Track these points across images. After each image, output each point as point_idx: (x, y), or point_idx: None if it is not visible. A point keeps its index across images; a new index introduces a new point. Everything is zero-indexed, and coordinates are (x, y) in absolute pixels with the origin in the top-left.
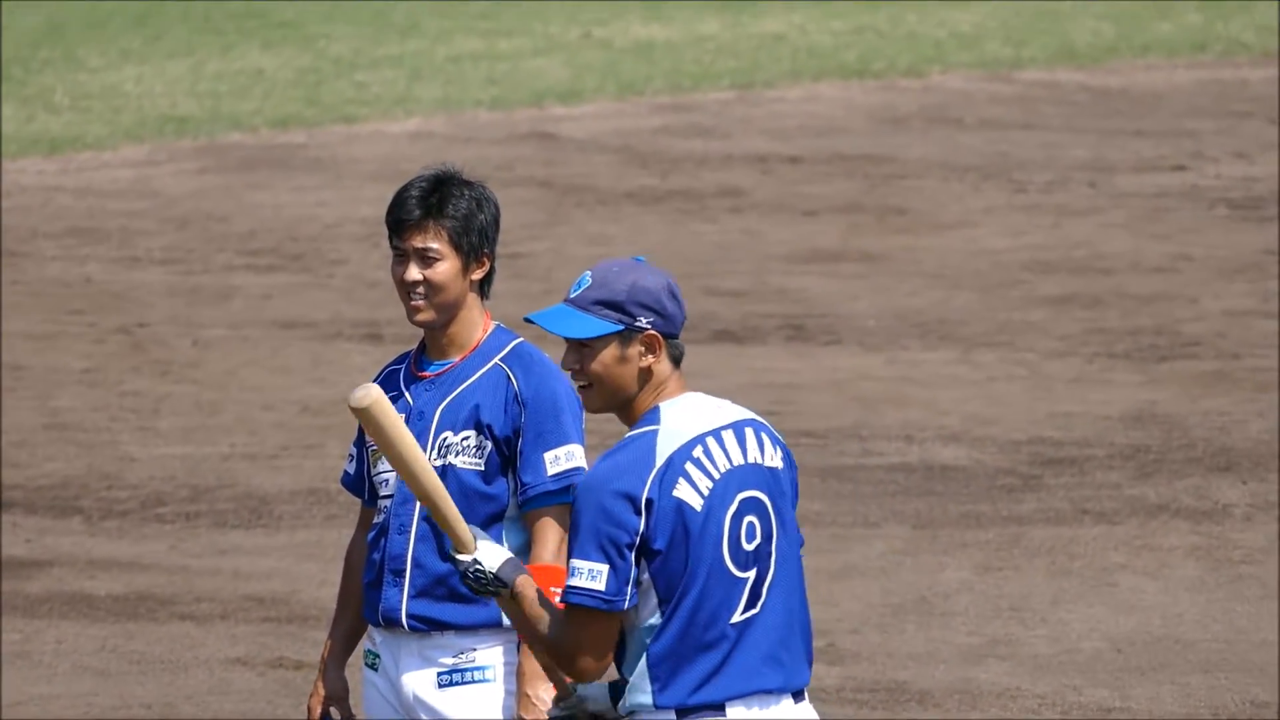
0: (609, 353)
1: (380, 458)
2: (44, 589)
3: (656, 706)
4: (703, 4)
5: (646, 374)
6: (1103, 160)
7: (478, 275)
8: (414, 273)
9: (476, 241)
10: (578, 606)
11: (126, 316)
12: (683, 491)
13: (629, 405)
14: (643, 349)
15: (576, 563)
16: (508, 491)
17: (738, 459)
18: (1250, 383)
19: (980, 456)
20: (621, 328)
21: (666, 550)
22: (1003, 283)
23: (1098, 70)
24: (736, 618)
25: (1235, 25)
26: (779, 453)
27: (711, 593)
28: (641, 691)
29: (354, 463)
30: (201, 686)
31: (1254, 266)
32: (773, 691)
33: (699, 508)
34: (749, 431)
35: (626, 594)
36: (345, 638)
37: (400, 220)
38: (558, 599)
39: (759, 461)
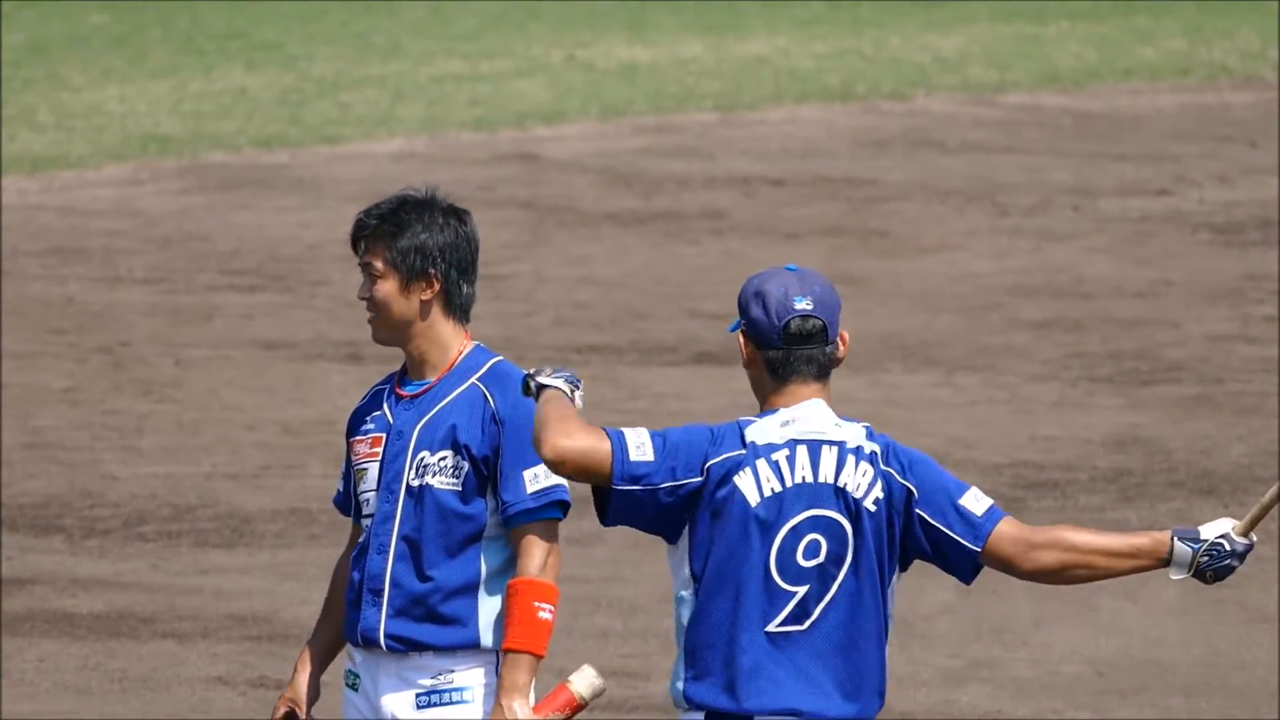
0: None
1: (364, 475)
2: (25, 607)
3: (687, 698)
4: (686, 26)
5: (755, 378)
6: (1085, 184)
7: (425, 296)
8: (362, 289)
9: (418, 263)
10: (609, 436)
11: (108, 336)
12: (743, 481)
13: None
14: (744, 351)
15: (639, 432)
16: (485, 511)
17: (826, 477)
18: (1232, 407)
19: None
20: (734, 326)
21: (710, 523)
22: (985, 306)
23: (1081, 94)
24: (773, 627)
25: (1218, 50)
26: (875, 491)
27: (749, 594)
28: (678, 677)
29: (344, 481)
30: (183, 705)
31: (1236, 291)
32: (802, 713)
33: (754, 503)
34: (851, 459)
35: (636, 480)
36: (323, 648)
37: (351, 236)
38: (541, 614)
39: (848, 489)
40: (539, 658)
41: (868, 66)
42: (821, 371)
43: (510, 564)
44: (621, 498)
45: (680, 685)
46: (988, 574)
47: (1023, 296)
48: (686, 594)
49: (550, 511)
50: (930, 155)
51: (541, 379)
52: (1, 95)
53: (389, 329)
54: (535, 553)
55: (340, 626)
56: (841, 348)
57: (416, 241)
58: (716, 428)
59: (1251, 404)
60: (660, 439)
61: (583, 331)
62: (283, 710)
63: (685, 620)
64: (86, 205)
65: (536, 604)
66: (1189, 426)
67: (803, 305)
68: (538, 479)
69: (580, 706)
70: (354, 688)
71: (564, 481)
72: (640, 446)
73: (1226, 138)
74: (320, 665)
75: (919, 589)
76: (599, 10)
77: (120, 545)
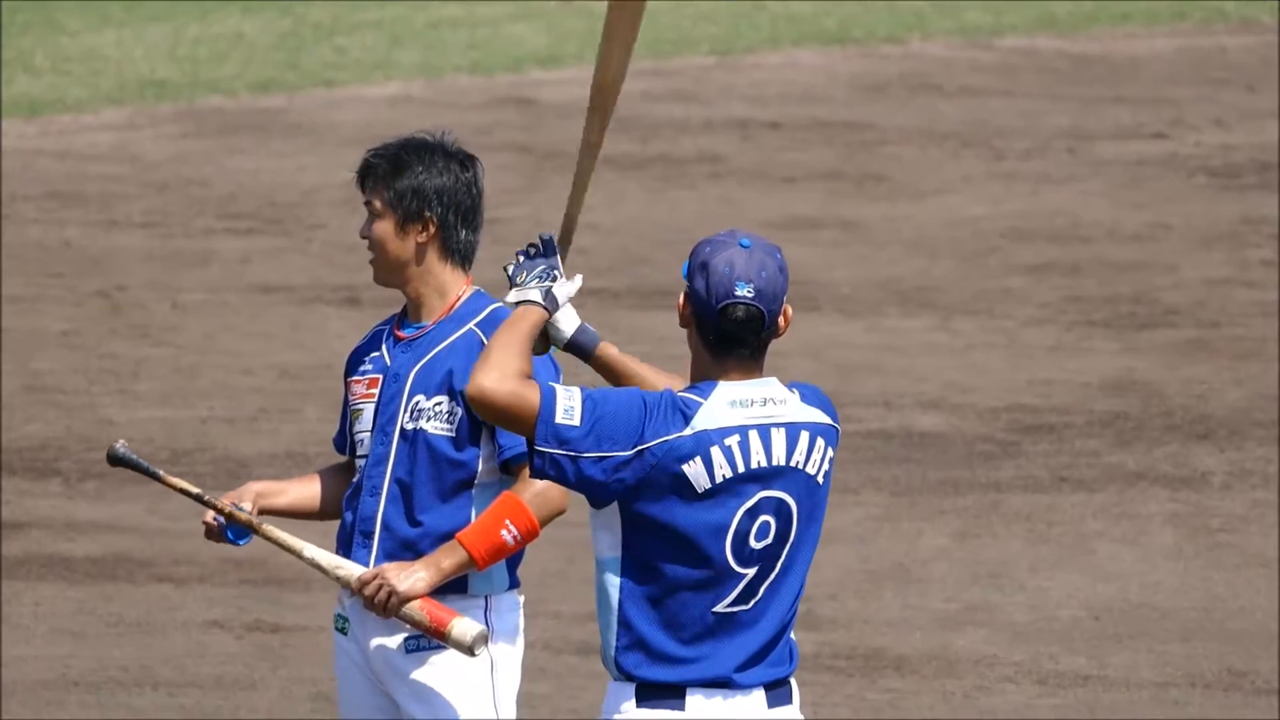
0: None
1: (360, 416)
2: (22, 551)
3: (618, 666)
4: None
5: (690, 338)
6: (1082, 128)
7: (421, 239)
8: (363, 227)
9: (413, 204)
10: (540, 391)
11: (106, 280)
12: (692, 469)
13: (693, 376)
14: (681, 309)
15: (571, 393)
16: (478, 459)
17: (778, 460)
18: (1229, 351)
19: (959, 423)
20: (686, 272)
21: (650, 501)
22: (981, 250)
23: (1078, 38)
24: (721, 608)
25: None
26: (825, 462)
27: (699, 578)
28: (608, 645)
29: (342, 421)
30: (179, 649)
31: (1232, 235)
32: (737, 685)
33: (702, 489)
34: (804, 435)
35: (562, 443)
36: (274, 486)
37: (357, 175)
38: (503, 532)
39: (800, 467)
40: (474, 562)
41: (864, 10)
42: (756, 352)
43: None
44: (543, 458)
45: (611, 654)
46: (984, 517)
47: (1019, 240)
48: (614, 556)
49: None
50: (927, 99)
51: (511, 296)
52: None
53: (386, 269)
54: (535, 482)
55: (298, 499)
56: (782, 325)
57: (414, 183)
58: (651, 400)
59: (1249, 348)
60: (592, 405)
61: (582, 276)
62: (231, 503)
63: (615, 586)
64: (84, 149)
65: (506, 521)
66: (1186, 371)
67: (743, 292)
68: None
69: (442, 635)
70: (343, 631)
71: None
72: (569, 410)
73: (1224, 81)
74: (265, 492)
75: (917, 532)
76: None
77: (117, 489)
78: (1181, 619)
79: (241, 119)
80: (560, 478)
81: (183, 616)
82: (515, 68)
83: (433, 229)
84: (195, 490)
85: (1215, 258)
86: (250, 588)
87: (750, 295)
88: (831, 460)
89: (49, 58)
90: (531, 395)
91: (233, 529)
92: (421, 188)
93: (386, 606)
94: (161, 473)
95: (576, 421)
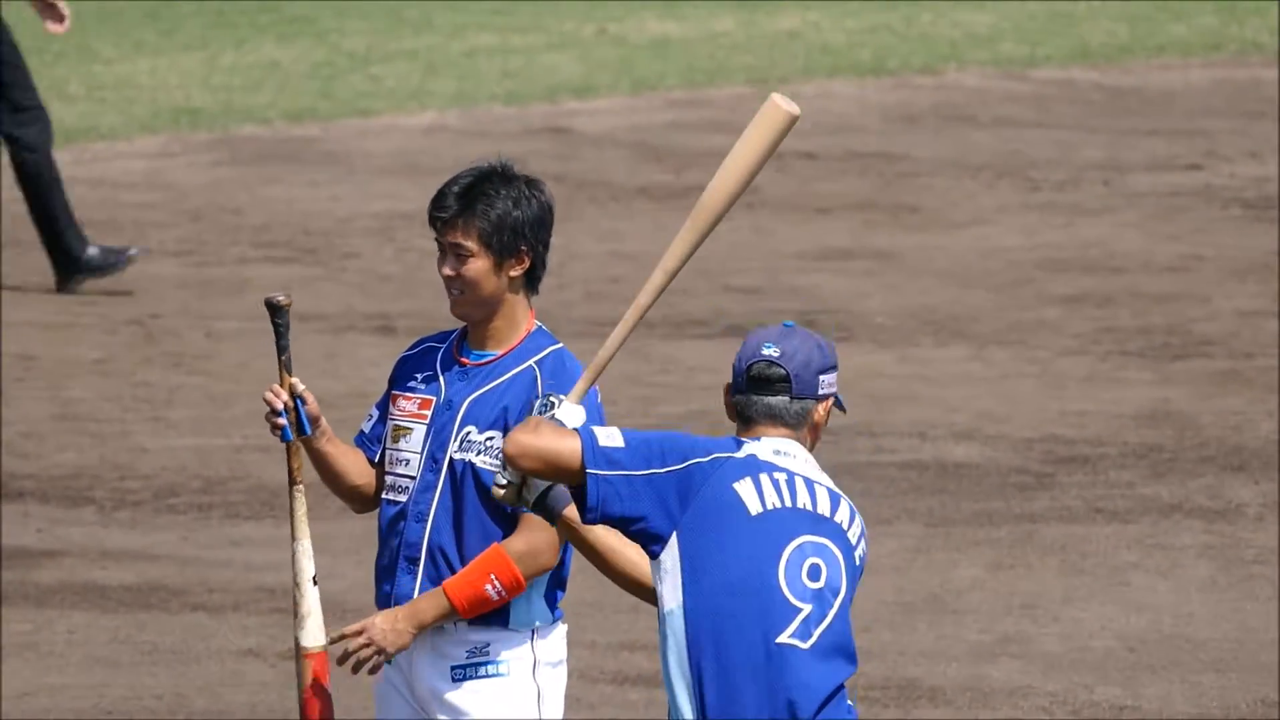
0: None
1: (407, 435)
2: (55, 579)
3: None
4: (718, 1)
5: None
6: (1116, 159)
7: (515, 272)
8: (448, 269)
9: (509, 240)
10: (579, 434)
11: (139, 308)
12: (743, 489)
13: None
14: (725, 393)
15: (610, 429)
16: None
17: (824, 510)
18: (1263, 383)
19: (993, 454)
20: None
21: (705, 530)
22: (1015, 281)
23: (1112, 70)
24: (782, 639)
25: (1250, 27)
26: (860, 543)
27: (754, 606)
28: (679, 709)
29: (370, 422)
30: (213, 677)
31: (1267, 266)
32: (798, 711)
33: (754, 511)
34: (844, 504)
35: (612, 463)
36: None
37: (434, 216)
38: (487, 586)
39: (844, 528)
40: (455, 612)
41: (899, 41)
42: (787, 424)
43: None
44: (597, 483)
45: (690, 716)
46: (1018, 548)
47: (1053, 271)
48: (676, 606)
49: None
50: (961, 130)
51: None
52: (35, 67)
53: (476, 306)
54: (527, 535)
55: (341, 459)
56: (819, 412)
57: (510, 219)
58: (700, 435)
59: None
60: (633, 433)
61: (614, 305)
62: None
63: (679, 635)
64: (117, 177)
65: (492, 575)
66: (1220, 402)
67: (769, 352)
68: None
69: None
70: (389, 661)
71: None
72: (609, 436)
73: (1259, 113)
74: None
75: (951, 563)
76: None
77: (151, 517)
78: (1215, 650)
79: (276, 148)
80: (618, 503)
81: (217, 645)
82: (550, 97)
83: (527, 261)
84: (293, 403)
85: (1249, 289)
86: (285, 616)
87: (775, 354)
88: (864, 555)
89: (83, 85)
90: (570, 437)
91: (289, 430)
92: (516, 222)
93: (370, 665)
94: (287, 356)
95: (620, 444)
